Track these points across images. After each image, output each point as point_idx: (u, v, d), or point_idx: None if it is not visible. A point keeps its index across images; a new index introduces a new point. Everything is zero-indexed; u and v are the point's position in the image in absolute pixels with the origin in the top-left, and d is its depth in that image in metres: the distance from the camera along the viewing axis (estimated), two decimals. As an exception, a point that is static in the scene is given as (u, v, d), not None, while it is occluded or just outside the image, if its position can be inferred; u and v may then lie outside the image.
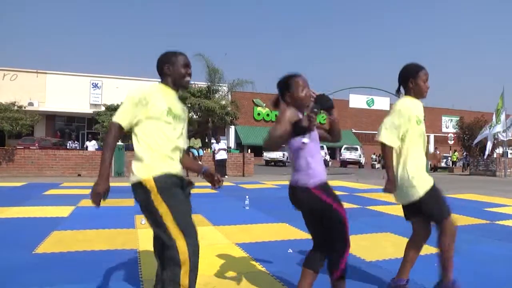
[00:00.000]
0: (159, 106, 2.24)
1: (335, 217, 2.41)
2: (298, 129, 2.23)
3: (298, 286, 2.55)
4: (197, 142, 18.04)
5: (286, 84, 2.44)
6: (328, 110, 2.45)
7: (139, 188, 2.18)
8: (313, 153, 2.42)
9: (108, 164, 2.17)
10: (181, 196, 2.27)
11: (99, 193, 2.11)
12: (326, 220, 2.42)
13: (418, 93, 2.81)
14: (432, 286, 2.82)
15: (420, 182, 2.68)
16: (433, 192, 2.71)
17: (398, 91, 2.93)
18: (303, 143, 2.31)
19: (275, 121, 2.37)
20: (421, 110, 2.82)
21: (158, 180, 2.16)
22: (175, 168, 2.29)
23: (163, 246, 2.20)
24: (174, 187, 2.24)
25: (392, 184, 2.71)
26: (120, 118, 2.22)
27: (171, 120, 2.28)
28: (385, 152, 2.73)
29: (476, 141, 22.54)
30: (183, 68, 2.37)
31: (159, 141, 2.23)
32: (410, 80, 2.79)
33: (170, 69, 2.36)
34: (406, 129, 2.70)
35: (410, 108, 2.74)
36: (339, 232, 2.41)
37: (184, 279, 2.10)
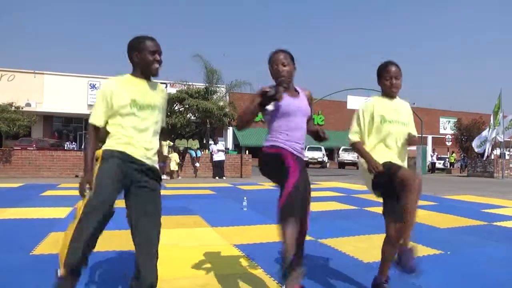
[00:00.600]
0: (122, 100, 2.28)
1: (281, 165, 2.44)
2: (264, 98, 2.36)
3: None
4: (195, 143, 18.05)
5: (269, 58, 2.62)
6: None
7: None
8: (284, 128, 2.49)
9: (90, 160, 2.28)
10: (112, 167, 2.24)
11: (82, 184, 2.24)
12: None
13: (385, 92, 2.79)
14: (432, 286, 2.82)
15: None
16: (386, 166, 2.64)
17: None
18: (266, 109, 2.43)
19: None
20: (389, 110, 2.73)
21: (105, 151, 2.29)
22: (134, 152, 2.30)
23: None
24: (115, 159, 2.25)
25: (373, 162, 2.61)
26: (93, 118, 2.33)
27: (137, 112, 2.29)
28: (355, 147, 2.76)
29: (476, 146, 22.40)
30: (151, 54, 2.30)
31: (126, 133, 2.30)
32: (378, 80, 2.80)
33: (138, 57, 2.32)
34: (365, 126, 2.72)
35: (370, 106, 2.75)
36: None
37: (71, 227, 2.24)
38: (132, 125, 2.29)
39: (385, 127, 2.71)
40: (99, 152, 2.30)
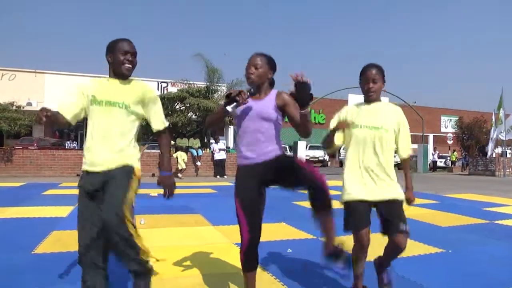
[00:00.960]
0: (85, 98, 2.35)
1: None
2: (227, 100, 2.35)
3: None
4: (196, 142, 18.08)
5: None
6: (301, 101, 2.33)
7: None
8: (245, 131, 2.45)
9: None
10: (81, 201, 2.30)
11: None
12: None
13: (365, 98, 2.69)
14: (433, 286, 2.82)
15: (343, 192, 2.65)
16: (345, 210, 2.65)
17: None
18: (226, 110, 2.35)
19: None
20: (363, 115, 2.62)
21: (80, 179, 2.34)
22: (90, 162, 2.29)
23: None
24: (81, 191, 2.29)
25: (340, 123, 2.56)
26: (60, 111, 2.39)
27: (97, 108, 2.30)
28: (324, 140, 2.71)
29: (489, 150, 22.21)
30: (122, 55, 2.33)
31: (89, 133, 2.33)
32: (359, 83, 2.70)
33: (111, 57, 2.36)
34: (346, 132, 2.64)
35: (345, 111, 2.70)
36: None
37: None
38: (96, 123, 2.30)
39: (358, 132, 2.60)
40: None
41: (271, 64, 2.49)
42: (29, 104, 27.69)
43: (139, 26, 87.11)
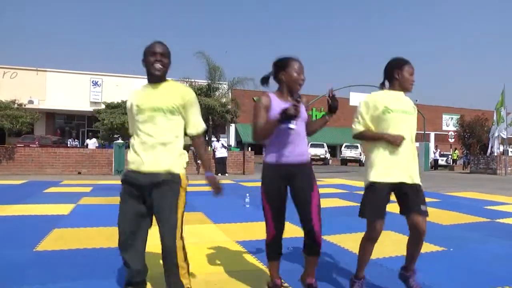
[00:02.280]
0: (129, 108, 2.46)
1: None
2: (285, 116, 2.36)
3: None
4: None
5: (283, 64, 2.57)
6: (331, 111, 2.67)
7: None
8: (285, 131, 2.51)
9: None
10: (124, 195, 2.42)
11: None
12: None
13: (404, 85, 2.78)
14: (435, 285, 2.82)
15: (370, 172, 2.70)
16: (367, 192, 2.72)
17: (383, 84, 2.89)
18: (290, 128, 2.42)
19: (253, 115, 2.54)
20: (394, 101, 2.72)
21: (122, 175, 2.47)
22: (135, 163, 2.37)
23: None
24: (125, 184, 2.40)
25: (394, 138, 2.63)
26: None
27: (139, 116, 2.38)
28: (364, 136, 2.74)
29: (490, 147, 22.21)
30: (151, 56, 2.38)
31: (133, 139, 2.42)
32: (395, 71, 2.77)
33: (144, 62, 2.42)
34: (370, 118, 2.71)
35: (375, 98, 2.74)
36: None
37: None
38: (138, 129, 2.40)
39: (391, 117, 2.67)
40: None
41: None
42: (31, 102, 27.74)
43: (140, 25, 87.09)
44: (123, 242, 2.44)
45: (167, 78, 2.47)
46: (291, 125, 2.40)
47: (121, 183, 2.42)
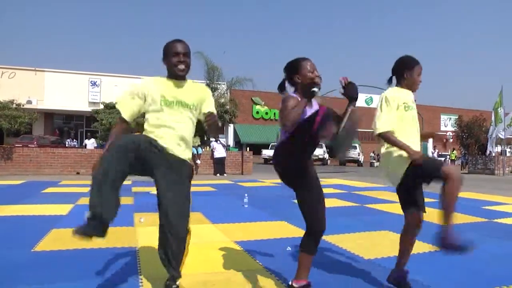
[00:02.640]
0: (154, 97, 2.41)
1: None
2: (309, 88, 2.42)
3: (297, 268, 2.71)
4: (196, 140, 18.04)
5: (295, 66, 2.58)
6: (352, 99, 2.58)
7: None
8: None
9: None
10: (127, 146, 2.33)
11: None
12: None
13: (411, 85, 2.85)
14: (433, 285, 2.83)
15: (402, 167, 2.72)
16: (403, 188, 2.78)
17: (390, 81, 2.93)
18: (314, 91, 2.43)
19: (280, 111, 2.48)
20: (409, 97, 2.83)
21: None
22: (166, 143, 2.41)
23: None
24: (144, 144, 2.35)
25: (416, 152, 2.64)
26: (121, 110, 2.46)
27: (164, 107, 2.40)
28: (389, 138, 2.73)
29: (489, 148, 22.23)
30: (174, 57, 2.40)
31: (160, 130, 2.42)
32: (405, 71, 2.82)
33: (165, 61, 2.44)
34: (395, 115, 2.74)
35: (397, 96, 2.77)
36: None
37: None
38: (163, 120, 2.42)
39: (410, 113, 2.78)
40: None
41: None
42: (29, 102, 27.70)
43: (139, 25, 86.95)
44: (110, 182, 2.24)
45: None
46: (315, 89, 2.44)
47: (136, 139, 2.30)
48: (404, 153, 2.66)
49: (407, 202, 2.82)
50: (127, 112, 2.44)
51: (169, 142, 2.41)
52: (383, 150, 2.84)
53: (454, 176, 2.52)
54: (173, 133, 2.41)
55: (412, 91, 2.87)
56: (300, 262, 2.66)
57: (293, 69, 2.60)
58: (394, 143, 2.72)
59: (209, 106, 2.62)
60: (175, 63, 2.38)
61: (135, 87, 2.45)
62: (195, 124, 2.59)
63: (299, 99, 2.45)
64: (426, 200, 2.89)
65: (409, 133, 2.77)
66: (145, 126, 2.44)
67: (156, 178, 2.41)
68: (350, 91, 2.55)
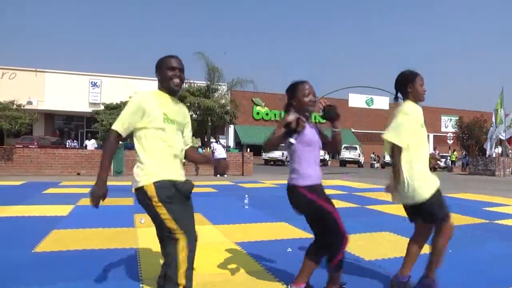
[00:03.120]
0: (155, 114, 2.29)
1: (321, 212, 2.60)
2: (287, 131, 2.48)
3: (298, 272, 2.76)
4: (196, 141, 18.07)
5: (293, 90, 2.67)
6: (331, 120, 2.67)
7: (140, 194, 2.25)
8: (306, 156, 2.62)
9: (107, 169, 2.28)
10: (178, 200, 2.31)
11: (98, 197, 2.24)
12: (315, 215, 2.64)
13: (417, 97, 2.89)
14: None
15: (427, 183, 2.75)
16: (437, 195, 2.78)
17: (396, 97, 2.98)
18: (290, 143, 2.53)
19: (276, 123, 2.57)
20: (421, 114, 2.89)
21: (158, 186, 2.22)
22: (174, 173, 2.33)
23: (163, 245, 2.28)
24: (172, 192, 2.27)
25: (396, 184, 2.74)
26: (117, 125, 2.30)
27: (168, 126, 2.32)
28: (394, 152, 2.75)
29: (488, 148, 22.18)
30: (169, 70, 2.35)
31: (159, 147, 2.29)
32: (408, 85, 2.87)
33: (159, 74, 2.40)
34: (413, 131, 2.76)
35: (416, 111, 2.82)
36: (330, 226, 2.64)
37: (182, 278, 2.18)
38: (167, 140, 2.34)
39: (424, 130, 2.83)
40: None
41: None
42: (30, 102, 27.71)
43: (140, 25, 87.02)
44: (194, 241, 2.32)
45: None
46: (291, 140, 2.50)
47: (168, 193, 2.28)
48: (422, 185, 2.73)
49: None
50: (126, 130, 2.33)
51: (176, 169, 2.40)
52: (405, 165, 2.78)
53: (451, 234, 2.79)
54: (172, 152, 2.37)
55: (420, 101, 2.92)
56: (304, 267, 2.73)
57: (291, 92, 2.69)
58: (394, 159, 2.75)
59: (190, 133, 2.64)
60: (171, 77, 2.35)
61: (136, 103, 2.31)
62: None
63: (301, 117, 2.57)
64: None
65: (423, 149, 2.80)
66: (143, 142, 2.30)
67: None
68: (328, 114, 2.66)
